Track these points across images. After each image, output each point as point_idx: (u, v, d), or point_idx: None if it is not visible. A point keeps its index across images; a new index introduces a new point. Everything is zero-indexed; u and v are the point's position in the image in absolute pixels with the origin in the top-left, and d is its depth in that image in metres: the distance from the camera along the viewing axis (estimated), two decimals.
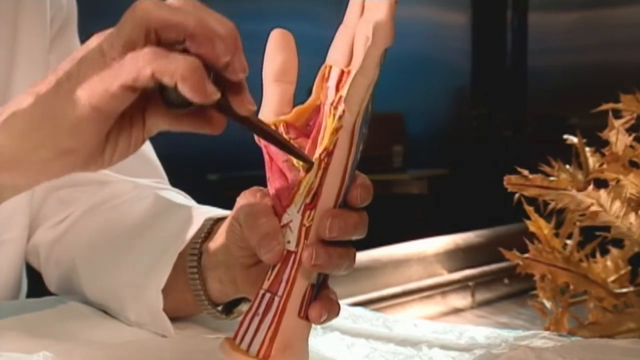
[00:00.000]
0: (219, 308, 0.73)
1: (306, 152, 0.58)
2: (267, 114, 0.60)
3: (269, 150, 0.59)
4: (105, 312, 0.81)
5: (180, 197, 0.85)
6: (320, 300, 0.58)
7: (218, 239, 0.71)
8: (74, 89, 0.54)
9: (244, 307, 0.73)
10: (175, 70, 0.52)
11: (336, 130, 0.57)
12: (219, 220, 0.74)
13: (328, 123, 0.58)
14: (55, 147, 0.56)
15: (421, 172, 3.46)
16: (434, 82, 3.78)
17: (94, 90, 0.54)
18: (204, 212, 0.75)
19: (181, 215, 0.76)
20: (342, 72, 0.58)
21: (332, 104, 0.58)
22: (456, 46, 3.92)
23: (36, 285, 0.95)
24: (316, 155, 0.57)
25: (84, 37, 0.91)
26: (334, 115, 0.57)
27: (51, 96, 0.55)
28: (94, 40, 0.55)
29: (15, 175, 0.58)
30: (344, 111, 0.57)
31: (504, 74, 3.87)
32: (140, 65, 0.52)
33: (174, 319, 0.74)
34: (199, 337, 0.74)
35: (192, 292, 0.72)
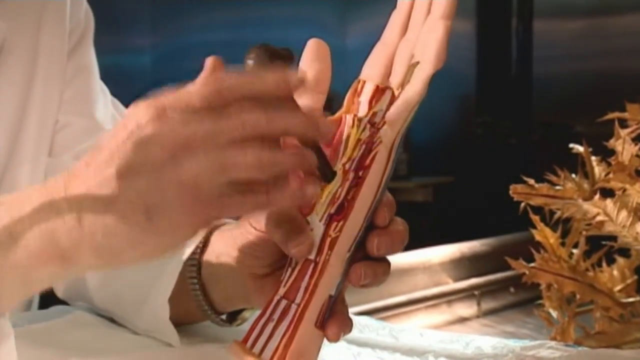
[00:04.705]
0: (223, 316, 0.73)
1: None
2: None
3: None
4: (112, 321, 0.81)
5: None
6: (338, 317, 0.57)
7: (220, 250, 0.71)
8: (172, 220, 0.51)
9: (247, 313, 0.73)
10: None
11: (368, 145, 0.57)
12: (213, 230, 0.73)
13: (352, 133, 0.58)
14: (152, 255, 0.55)
15: (426, 180, 3.46)
16: (438, 89, 3.75)
17: (202, 220, 0.52)
18: None
19: None
20: (377, 88, 0.58)
21: (355, 115, 0.58)
22: (461, 54, 3.91)
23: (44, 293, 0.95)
24: (339, 165, 0.57)
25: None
26: (358, 126, 0.57)
27: (144, 223, 0.52)
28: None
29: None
30: (383, 125, 0.57)
31: (509, 81, 3.87)
32: (249, 208, 0.52)
33: (180, 326, 0.74)
34: (205, 347, 0.74)
35: (194, 301, 0.72)
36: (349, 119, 0.58)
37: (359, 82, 0.59)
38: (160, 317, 0.73)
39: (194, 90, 0.52)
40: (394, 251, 0.57)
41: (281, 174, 0.52)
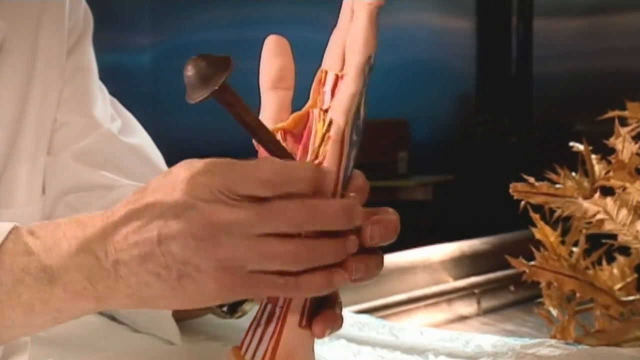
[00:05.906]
0: (224, 309, 0.73)
1: (297, 159, 0.58)
2: (265, 121, 0.59)
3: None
4: (113, 318, 0.81)
5: None
6: (325, 314, 0.57)
7: None
8: (201, 288, 0.54)
9: (247, 306, 0.73)
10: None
11: (326, 138, 0.56)
12: None
13: (318, 128, 0.57)
14: (182, 307, 0.58)
15: (426, 179, 3.46)
16: (438, 88, 3.78)
17: (229, 293, 0.54)
18: None
19: None
20: (337, 76, 0.57)
21: (321, 109, 0.57)
22: (461, 52, 3.92)
23: None
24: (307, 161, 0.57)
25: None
26: (324, 120, 0.57)
27: (174, 283, 0.54)
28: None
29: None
30: (331, 121, 0.56)
31: (509, 80, 3.87)
32: (277, 291, 0.54)
33: (180, 321, 0.74)
34: (206, 345, 0.74)
35: None
36: (315, 113, 0.57)
37: (322, 72, 0.58)
38: (161, 313, 0.73)
39: (249, 173, 0.53)
40: (387, 240, 0.57)
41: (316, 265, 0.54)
